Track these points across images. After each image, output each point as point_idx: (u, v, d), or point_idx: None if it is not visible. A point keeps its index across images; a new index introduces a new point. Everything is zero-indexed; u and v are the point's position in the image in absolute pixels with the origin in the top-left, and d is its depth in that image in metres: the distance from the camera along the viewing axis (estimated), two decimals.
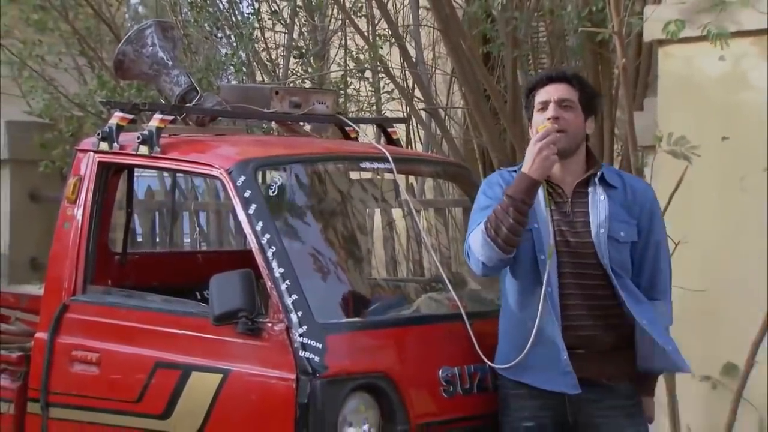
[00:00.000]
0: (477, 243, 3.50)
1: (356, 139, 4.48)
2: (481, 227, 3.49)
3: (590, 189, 3.60)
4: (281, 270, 3.59)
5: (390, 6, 6.86)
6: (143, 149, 3.99)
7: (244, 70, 7.07)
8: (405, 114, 6.94)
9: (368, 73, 7.09)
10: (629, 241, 3.59)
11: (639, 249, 3.62)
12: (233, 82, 6.89)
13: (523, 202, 3.44)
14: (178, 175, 7.03)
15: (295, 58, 7.21)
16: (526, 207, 3.45)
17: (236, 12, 7.34)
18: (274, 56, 7.37)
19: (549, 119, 3.53)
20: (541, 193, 3.54)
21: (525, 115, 3.73)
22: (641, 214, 3.62)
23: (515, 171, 3.63)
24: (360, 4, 7.05)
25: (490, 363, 3.64)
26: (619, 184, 3.64)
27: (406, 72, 6.91)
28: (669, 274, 3.70)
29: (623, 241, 3.58)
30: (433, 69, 7.30)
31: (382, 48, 6.73)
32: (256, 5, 7.32)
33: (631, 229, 3.60)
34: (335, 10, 7.22)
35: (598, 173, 3.61)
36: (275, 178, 3.95)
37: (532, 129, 3.63)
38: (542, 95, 3.59)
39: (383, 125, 4.63)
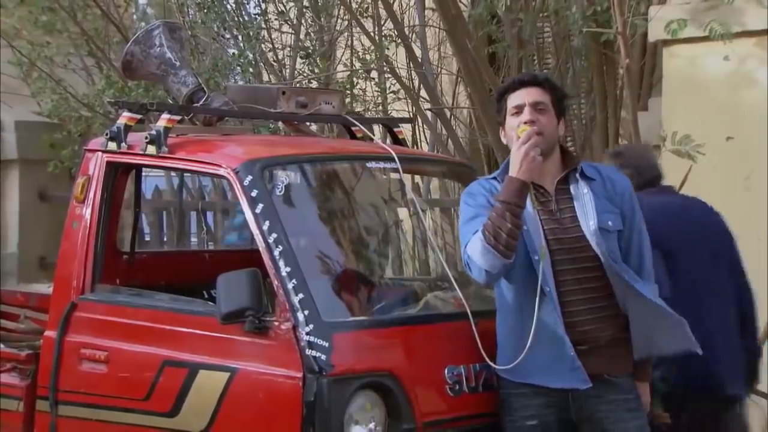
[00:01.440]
0: (477, 252, 3.52)
1: (363, 138, 4.50)
2: (479, 236, 3.51)
3: (572, 185, 3.65)
4: (288, 269, 3.61)
5: (396, 7, 6.88)
6: (151, 149, 4.00)
7: (251, 70, 7.10)
8: (411, 114, 6.96)
9: (374, 74, 7.11)
10: (616, 230, 3.65)
11: (625, 237, 3.67)
12: (240, 83, 6.91)
13: (517, 205, 3.49)
14: (185, 174, 7.06)
15: (301, 58, 7.23)
16: (520, 210, 3.50)
17: (243, 13, 7.37)
18: (280, 56, 7.40)
19: (525, 122, 3.58)
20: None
21: (497, 119, 3.76)
22: (623, 203, 3.68)
23: (494, 179, 3.69)
24: (366, 5, 7.07)
25: (493, 365, 3.65)
26: (597, 176, 3.69)
27: (412, 72, 6.94)
28: (651, 258, 3.75)
29: (612, 230, 3.63)
30: (439, 69, 7.32)
31: (388, 48, 6.76)
32: (263, 6, 7.36)
33: (617, 218, 3.65)
34: (342, 11, 7.25)
35: (579, 168, 3.66)
36: (282, 177, 3.97)
37: (504, 132, 3.67)
38: (516, 99, 3.63)
39: (389, 125, 4.66)
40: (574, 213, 3.62)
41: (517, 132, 3.57)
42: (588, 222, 3.60)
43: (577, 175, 3.66)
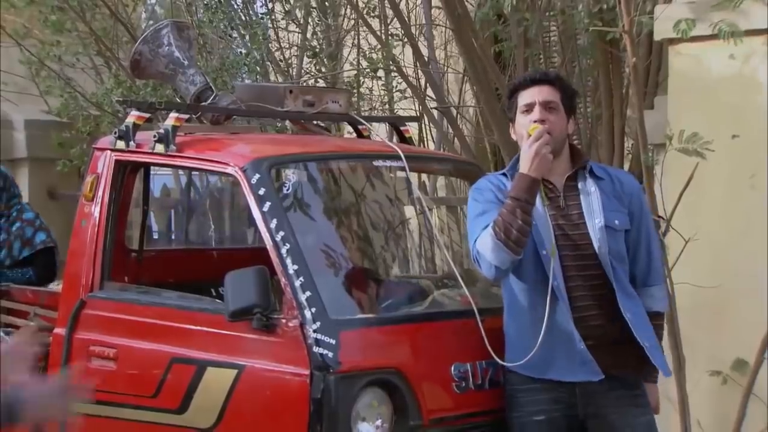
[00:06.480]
0: (487, 248, 3.54)
1: (369, 137, 4.52)
2: (489, 232, 3.53)
3: (580, 183, 3.67)
4: (295, 267, 3.63)
5: (403, 6, 6.90)
6: (159, 147, 4.03)
7: (258, 69, 7.12)
8: (417, 113, 6.98)
9: (381, 73, 7.12)
10: (623, 229, 3.67)
11: (632, 237, 3.69)
12: (248, 82, 6.94)
13: (527, 202, 3.51)
14: (193, 173, 7.09)
15: (308, 57, 7.26)
16: (531, 206, 3.53)
17: (250, 12, 7.39)
18: (287, 56, 7.42)
19: (536, 121, 3.60)
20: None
21: (507, 115, 3.78)
22: (631, 203, 3.71)
23: (503, 174, 3.72)
24: (373, 4, 7.09)
25: (502, 362, 3.66)
26: (606, 175, 3.72)
27: (419, 71, 6.95)
28: (661, 259, 3.76)
29: (618, 229, 3.65)
30: (446, 68, 7.34)
31: (394, 47, 6.77)
32: (270, 5, 7.38)
33: (624, 218, 3.68)
34: (348, 10, 7.27)
35: (588, 166, 3.69)
36: (289, 175, 3.99)
37: (515, 130, 3.70)
38: (526, 97, 3.65)
39: (396, 124, 4.68)
40: (581, 210, 3.64)
41: (528, 130, 3.59)
42: (594, 220, 3.62)
43: (586, 172, 3.68)
